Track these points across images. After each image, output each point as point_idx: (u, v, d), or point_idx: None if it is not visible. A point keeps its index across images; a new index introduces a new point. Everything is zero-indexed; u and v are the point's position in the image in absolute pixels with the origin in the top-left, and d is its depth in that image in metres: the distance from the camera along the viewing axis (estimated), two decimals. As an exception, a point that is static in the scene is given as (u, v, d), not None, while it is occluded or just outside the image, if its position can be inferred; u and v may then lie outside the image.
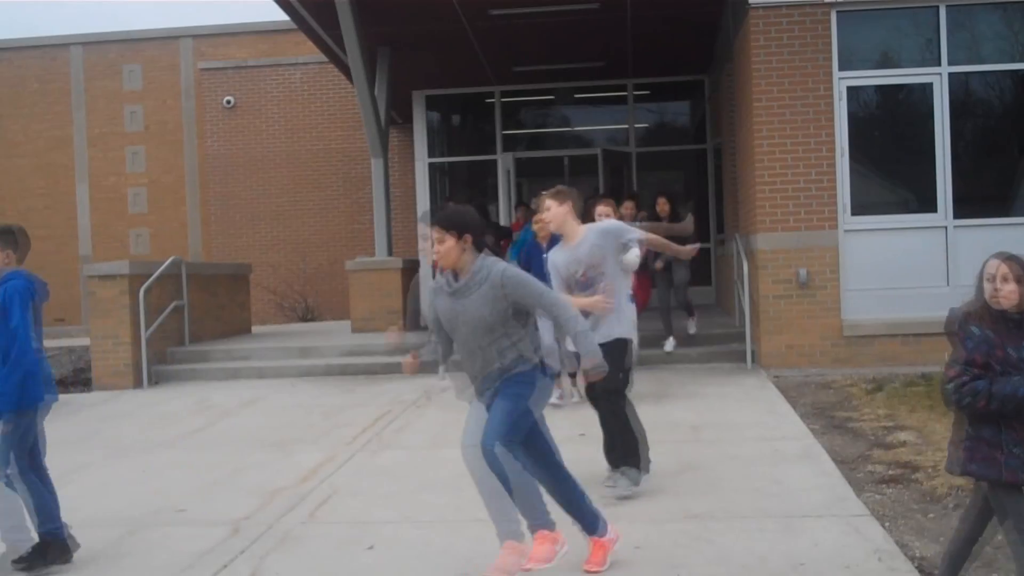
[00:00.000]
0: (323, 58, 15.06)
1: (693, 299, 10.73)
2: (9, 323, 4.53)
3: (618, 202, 10.19)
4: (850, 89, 9.82)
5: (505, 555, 4.19)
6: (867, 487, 5.47)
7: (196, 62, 19.68)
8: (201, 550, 4.85)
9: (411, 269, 12.58)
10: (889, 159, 9.98)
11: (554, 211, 5.52)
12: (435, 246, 4.22)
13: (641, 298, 9.66)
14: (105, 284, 10.86)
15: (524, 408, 4.17)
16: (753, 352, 9.89)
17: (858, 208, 9.79)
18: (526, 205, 12.57)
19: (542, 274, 8.36)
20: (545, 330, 4.64)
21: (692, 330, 10.45)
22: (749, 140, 10.08)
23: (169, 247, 19.10)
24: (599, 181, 14.79)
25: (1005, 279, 3.49)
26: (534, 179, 15.48)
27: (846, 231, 9.75)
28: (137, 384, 10.76)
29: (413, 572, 4.44)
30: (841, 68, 9.75)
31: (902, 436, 6.61)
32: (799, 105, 9.66)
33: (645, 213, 10.27)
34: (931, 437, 6.53)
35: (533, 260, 8.37)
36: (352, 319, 12.50)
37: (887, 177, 10.02)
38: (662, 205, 10.23)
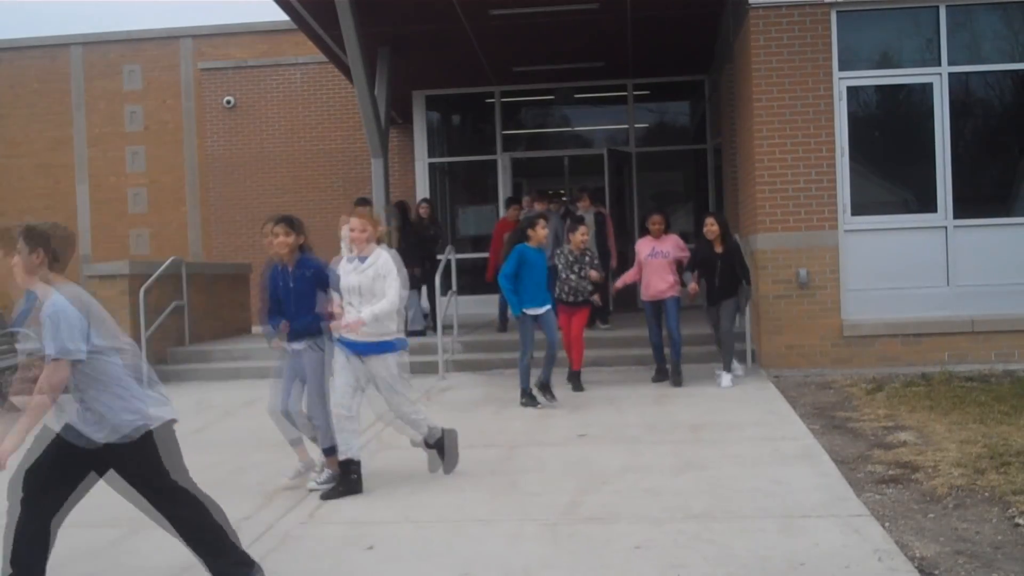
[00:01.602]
0: (323, 58, 15.06)
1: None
2: None
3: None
4: (850, 89, 9.82)
5: None
6: (867, 487, 5.47)
7: (196, 62, 19.67)
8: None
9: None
10: (889, 159, 9.98)
11: (17, 262, 3.83)
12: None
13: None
14: (105, 284, 10.87)
15: None
16: (753, 352, 9.90)
17: (858, 208, 9.79)
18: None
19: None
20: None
21: (724, 383, 8.94)
22: (749, 140, 10.08)
23: (169, 247, 19.10)
24: (605, 181, 14.78)
25: None
26: (535, 179, 15.49)
27: (846, 231, 9.75)
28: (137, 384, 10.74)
29: (413, 572, 4.44)
30: (841, 68, 9.75)
31: (902, 436, 6.61)
32: (799, 105, 9.66)
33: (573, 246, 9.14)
34: (931, 437, 6.53)
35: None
36: (352, 319, 12.49)
37: (887, 177, 10.02)
38: (710, 227, 9.09)
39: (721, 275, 9.07)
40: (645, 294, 9.30)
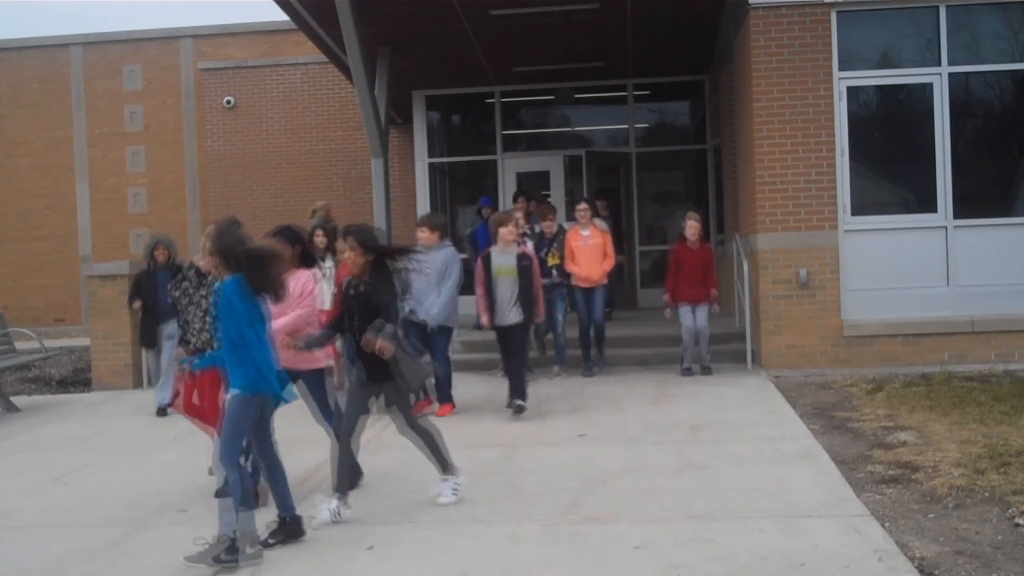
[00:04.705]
0: (323, 58, 15.05)
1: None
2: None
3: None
4: (850, 89, 9.82)
5: None
6: (867, 487, 5.48)
7: (196, 62, 19.67)
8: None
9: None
10: (889, 159, 9.98)
11: None
12: None
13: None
14: (105, 284, 10.87)
15: None
16: (753, 352, 9.89)
17: (858, 208, 9.79)
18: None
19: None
20: None
21: (445, 497, 5.47)
22: (749, 140, 10.08)
23: (169, 247, 19.07)
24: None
25: None
26: (536, 179, 15.44)
27: (846, 231, 9.75)
28: (137, 384, 10.76)
29: (413, 572, 4.44)
30: (841, 68, 9.75)
31: (902, 436, 6.61)
32: (799, 105, 9.66)
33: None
34: (931, 437, 6.53)
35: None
36: (352, 319, 12.49)
37: (887, 177, 10.02)
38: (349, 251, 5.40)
39: (359, 332, 5.24)
40: None
